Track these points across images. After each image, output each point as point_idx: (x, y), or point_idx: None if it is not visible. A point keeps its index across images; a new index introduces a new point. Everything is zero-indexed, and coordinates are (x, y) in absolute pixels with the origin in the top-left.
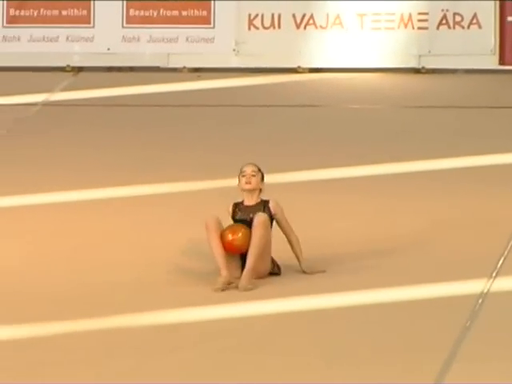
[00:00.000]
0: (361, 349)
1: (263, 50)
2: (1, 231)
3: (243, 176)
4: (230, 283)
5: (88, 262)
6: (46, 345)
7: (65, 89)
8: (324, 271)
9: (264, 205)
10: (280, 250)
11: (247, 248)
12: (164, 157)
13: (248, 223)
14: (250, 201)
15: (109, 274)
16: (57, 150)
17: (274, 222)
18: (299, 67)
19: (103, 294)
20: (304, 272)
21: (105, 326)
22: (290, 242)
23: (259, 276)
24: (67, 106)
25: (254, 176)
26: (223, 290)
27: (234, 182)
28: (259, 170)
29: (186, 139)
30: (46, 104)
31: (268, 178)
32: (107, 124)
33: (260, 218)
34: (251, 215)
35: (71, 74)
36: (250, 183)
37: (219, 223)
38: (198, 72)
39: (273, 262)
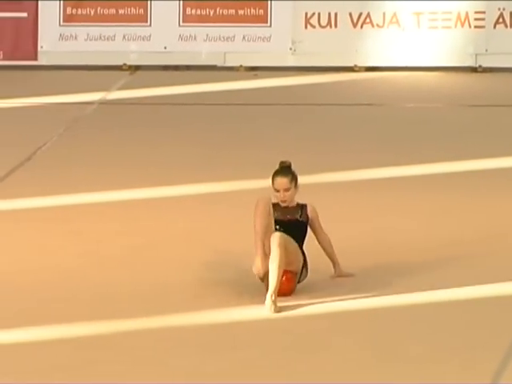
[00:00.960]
0: (417, 347)
1: (320, 48)
2: (60, 230)
3: (277, 191)
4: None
5: (147, 261)
6: (106, 343)
7: (121, 87)
8: (353, 275)
9: (301, 209)
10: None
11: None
12: (220, 155)
13: (285, 224)
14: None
15: (168, 273)
16: (113, 149)
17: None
18: (356, 66)
19: (163, 293)
20: (337, 276)
21: (165, 324)
22: (323, 246)
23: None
24: (124, 105)
25: (287, 191)
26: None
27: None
28: (292, 177)
29: (242, 137)
30: (102, 103)
31: (324, 177)
32: (164, 123)
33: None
34: (288, 216)
35: (128, 72)
36: (285, 201)
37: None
38: (255, 71)
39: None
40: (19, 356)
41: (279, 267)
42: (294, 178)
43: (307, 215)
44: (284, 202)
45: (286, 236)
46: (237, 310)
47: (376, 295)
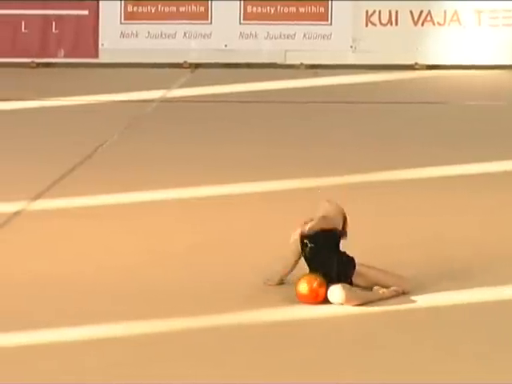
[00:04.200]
0: (477, 346)
1: (380, 46)
2: (119, 228)
3: None
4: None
5: (208, 259)
6: (166, 342)
7: (182, 85)
8: None
9: None
10: None
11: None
12: (280, 153)
13: None
14: None
15: (230, 271)
16: (174, 147)
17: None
18: (416, 64)
19: (224, 291)
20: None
21: (225, 322)
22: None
23: None
24: (184, 103)
25: None
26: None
27: (352, 178)
28: None
29: (301, 136)
30: (163, 101)
31: (384, 175)
32: (224, 121)
33: None
34: None
35: (188, 70)
36: None
37: None
38: (315, 68)
39: None
40: (80, 354)
41: None
42: None
43: None
44: None
45: None
46: (298, 309)
47: (433, 291)
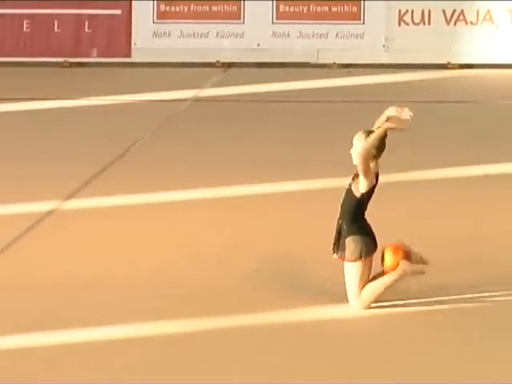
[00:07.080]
0: (507, 344)
1: (413, 45)
2: (151, 228)
3: None
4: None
5: (237, 258)
6: (196, 341)
7: (214, 85)
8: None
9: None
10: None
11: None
12: (313, 153)
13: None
14: None
15: (259, 270)
16: (206, 146)
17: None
18: (449, 63)
19: (254, 290)
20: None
21: (255, 322)
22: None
23: None
24: (217, 102)
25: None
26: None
27: (385, 178)
28: (362, 136)
29: (335, 135)
30: (196, 100)
31: (414, 175)
32: (257, 120)
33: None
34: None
35: (221, 69)
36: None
37: None
38: (348, 68)
39: None
40: (113, 353)
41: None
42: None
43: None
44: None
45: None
46: (328, 309)
47: (467, 291)
